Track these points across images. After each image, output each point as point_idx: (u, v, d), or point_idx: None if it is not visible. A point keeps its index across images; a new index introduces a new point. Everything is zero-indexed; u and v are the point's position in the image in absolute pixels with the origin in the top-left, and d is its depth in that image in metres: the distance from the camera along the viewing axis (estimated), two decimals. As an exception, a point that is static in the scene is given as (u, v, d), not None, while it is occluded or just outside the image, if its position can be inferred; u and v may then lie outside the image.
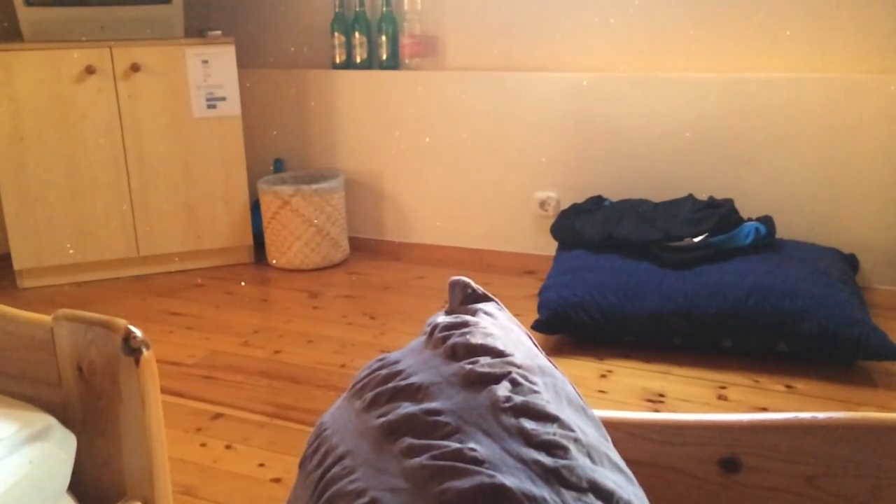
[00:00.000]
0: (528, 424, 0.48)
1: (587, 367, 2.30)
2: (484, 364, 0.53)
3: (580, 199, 3.02)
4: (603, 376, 2.24)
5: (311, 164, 3.50)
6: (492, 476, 0.43)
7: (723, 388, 2.15)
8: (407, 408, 0.51)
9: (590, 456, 0.48)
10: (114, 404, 1.00)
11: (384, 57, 3.25)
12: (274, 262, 3.25)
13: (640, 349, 2.40)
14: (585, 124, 2.98)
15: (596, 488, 0.45)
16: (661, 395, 2.12)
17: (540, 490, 0.43)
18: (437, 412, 0.49)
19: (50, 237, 3.00)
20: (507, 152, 3.13)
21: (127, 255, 3.11)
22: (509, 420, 0.48)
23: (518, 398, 0.50)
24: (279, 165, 3.52)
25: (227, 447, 1.95)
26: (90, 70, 2.90)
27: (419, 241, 3.39)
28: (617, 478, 0.48)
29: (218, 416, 2.10)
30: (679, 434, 0.74)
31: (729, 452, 0.72)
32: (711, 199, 2.70)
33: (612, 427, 0.77)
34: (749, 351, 2.31)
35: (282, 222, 3.16)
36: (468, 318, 0.60)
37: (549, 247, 3.11)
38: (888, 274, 2.69)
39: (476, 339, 0.56)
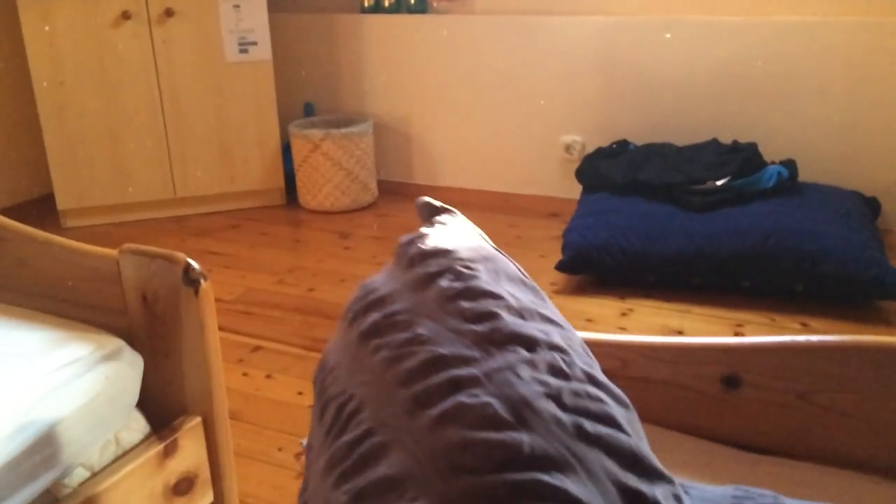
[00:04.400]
0: (465, 304, 0.57)
1: (609, 306, 2.38)
2: (432, 265, 0.63)
3: (605, 143, 3.06)
4: (624, 314, 2.33)
5: (341, 108, 3.56)
6: (432, 350, 0.53)
7: (739, 325, 2.23)
8: (374, 316, 0.61)
9: (520, 315, 0.57)
10: (175, 330, 1.11)
11: (412, 1, 3.28)
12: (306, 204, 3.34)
13: (660, 289, 2.47)
14: (612, 68, 3.01)
15: (520, 339, 0.54)
16: (680, 332, 2.21)
17: (472, 351, 0.53)
18: (396, 313, 0.59)
19: (90, 178, 3.12)
20: (534, 96, 3.17)
21: (164, 197, 3.23)
22: (450, 305, 0.57)
23: (458, 285, 0.59)
24: (309, 109, 3.59)
25: (268, 377, 2.07)
26: (126, 15, 2.97)
27: (446, 185, 3.46)
28: (544, 327, 0.57)
29: (257, 348, 2.22)
30: (686, 355, 0.83)
31: (731, 371, 0.81)
32: (735, 142, 2.73)
33: (627, 349, 0.86)
34: (767, 291, 2.37)
35: (312, 165, 3.24)
36: (424, 230, 0.71)
37: (574, 190, 3.16)
38: (910, 217, 2.72)
39: (427, 246, 0.65)
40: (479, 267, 0.62)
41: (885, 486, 0.79)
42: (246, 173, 3.29)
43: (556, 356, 0.54)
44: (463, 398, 0.49)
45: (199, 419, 1.15)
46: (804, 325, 2.21)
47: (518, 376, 0.50)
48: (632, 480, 0.47)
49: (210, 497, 1.21)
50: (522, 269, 0.69)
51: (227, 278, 2.70)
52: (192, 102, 3.15)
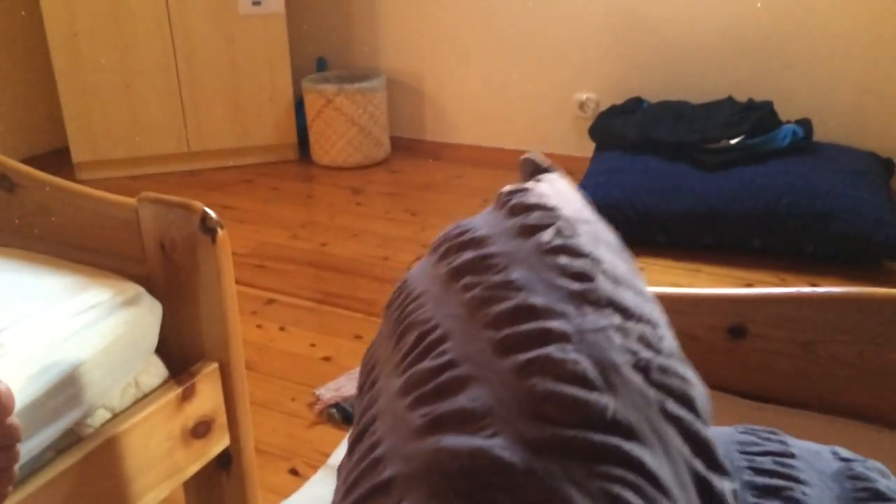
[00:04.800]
0: (564, 260, 0.57)
1: (619, 264, 2.39)
2: (534, 217, 0.63)
3: (620, 101, 3.04)
4: (634, 272, 2.34)
5: (354, 63, 3.54)
6: (525, 298, 0.53)
7: (749, 285, 2.24)
8: (468, 254, 0.61)
9: (615, 282, 0.57)
10: (193, 277, 1.13)
11: (426, -47, 3.24)
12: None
13: (671, 248, 2.48)
14: (627, 25, 2.97)
15: (613, 304, 0.54)
16: (690, 291, 2.22)
17: (564, 306, 0.53)
18: (492, 255, 0.59)
19: (105, 131, 3.13)
20: (548, 53, 3.14)
21: (178, 151, 3.24)
22: (548, 258, 0.57)
23: (558, 241, 0.59)
24: (322, 64, 3.57)
25: (281, 329, 2.11)
26: (138, -33, 2.95)
27: (459, 142, 3.45)
28: (637, 299, 0.57)
29: (271, 301, 2.26)
30: (694, 305, 0.84)
31: (737, 321, 0.82)
32: (751, 101, 2.71)
33: (636, 299, 0.87)
34: (778, 251, 2.38)
35: (325, 121, 3.24)
36: (528, 184, 0.71)
37: (588, 149, 3.15)
38: (925, 179, 2.70)
39: (531, 199, 0.65)
40: (581, 228, 0.62)
41: (887, 435, 0.81)
42: (259, 128, 3.30)
43: (647, 328, 0.54)
44: (552, 351, 0.49)
45: (215, 365, 1.18)
46: (814, 285, 2.22)
47: (609, 340, 0.50)
48: (701, 469, 0.48)
49: (226, 441, 1.25)
50: (620, 239, 0.69)
51: (240, 232, 2.72)
52: (205, 55, 3.14)
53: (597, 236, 0.62)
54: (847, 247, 2.23)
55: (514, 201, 0.66)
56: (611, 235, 0.66)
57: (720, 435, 0.70)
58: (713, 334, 0.83)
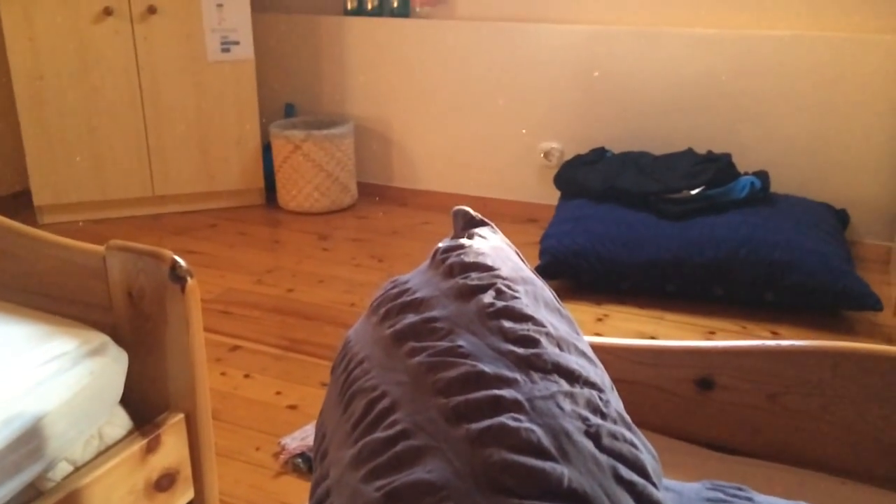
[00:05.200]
0: (507, 324, 0.58)
1: (585, 311, 2.42)
2: (474, 278, 0.63)
3: (583, 151, 3.10)
4: (599, 320, 2.37)
5: (322, 110, 3.57)
6: (474, 365, 0.54)
7: (711, 332, 2.28)
8: (411, 318, 0.61)
9: (559, 346, 0.58)
10: (160, 326, 1.12)
11: (395, 4, 3.30)
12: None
13: (635, 295, 2.52)
14: (591, 77, 3.05)
15: (559, 369, 0.55)
16: (653, 338, 2.24)
17: (513, 373, 0.54)
18: (435, 319, 0.60)
19: (68, 174, 3.10)
20: (514, 103, 3.21)
21: (143, 195, 3.21)
22: (492, 322, 0.58)
23: (500, 303, 0.60)
24: (290, 110, 3.59)
25: (246, 376, 2.08)
26: (108, 11, 2.96)
27: (426, 188, 3.48)
28: (581, 361, 0.58)
29: (236, 347, 2.23)
30: (662, 357, 0.86)
31: (704, 373, 0.84)
32: (710, 153, 2.79)
33: (605, 351, 0.89)
34: (738, 299, 2.43)
35: (292, 166, 3.25)
36: (464, 241, 0.71)
37: (552, 196, 3.20)
38: (877, 229, 2.79)
39: (469, 258, 0.66)
40: (520, 289, 0.62)
41: (850, 487, 0.83)
42: (225, 173, 3.29)
43: (594, 393, 0.55)
44: (506, 420, 0.49)
45: (181, 416, 1.16)
46: (774, 333, 2.27)
47: (560, 408, 0.51)
48: None
49: (190, 494, 1.22)
50: (557, 297, 0.69)
51: (205, 277, 2.70)
52: (172, 100, 3.14)
53: (536, 296, 0.63)
54: (805, 296, 2.29)
55: (451, 260, 0.66)
56: (548, 294, 0.67)
57: (688, 491, 0.71)
58: (681, 386, 0.84)
